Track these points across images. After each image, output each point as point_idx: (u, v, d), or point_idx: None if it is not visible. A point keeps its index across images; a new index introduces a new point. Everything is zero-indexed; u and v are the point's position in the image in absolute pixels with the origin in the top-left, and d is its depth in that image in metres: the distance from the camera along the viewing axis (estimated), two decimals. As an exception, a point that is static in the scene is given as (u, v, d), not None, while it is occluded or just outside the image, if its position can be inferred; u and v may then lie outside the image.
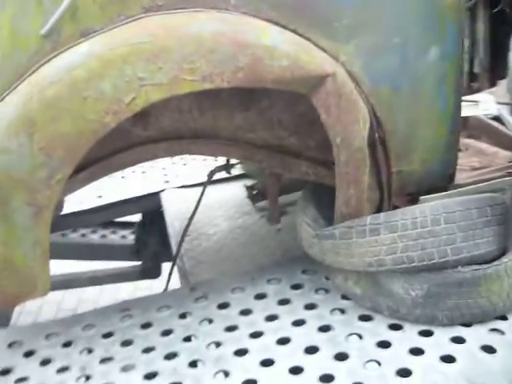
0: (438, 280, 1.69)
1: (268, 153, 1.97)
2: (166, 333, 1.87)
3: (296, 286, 2.03)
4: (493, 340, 1.69)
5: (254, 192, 2.61)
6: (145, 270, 3.04)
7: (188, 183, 3.08)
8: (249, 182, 2.71)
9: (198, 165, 3.34)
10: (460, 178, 2.05)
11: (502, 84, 2.72)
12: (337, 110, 1.62)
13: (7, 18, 1.50)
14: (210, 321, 1.90)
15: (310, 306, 1.91)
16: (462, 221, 1.69)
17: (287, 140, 1.94)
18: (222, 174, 2.76)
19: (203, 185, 2.40)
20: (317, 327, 1.80)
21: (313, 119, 1.76)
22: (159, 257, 3.01)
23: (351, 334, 1.76)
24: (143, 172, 3.27)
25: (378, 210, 1.88)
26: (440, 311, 1.72)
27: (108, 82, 1.46)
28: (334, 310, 1.88)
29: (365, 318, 1.82)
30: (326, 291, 1.98)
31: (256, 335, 1.80)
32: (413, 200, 1.92)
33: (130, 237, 3.23)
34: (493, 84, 3.23)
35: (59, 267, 2.86)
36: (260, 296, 2.00)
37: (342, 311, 1.87)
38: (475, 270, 1.69)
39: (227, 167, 2.38)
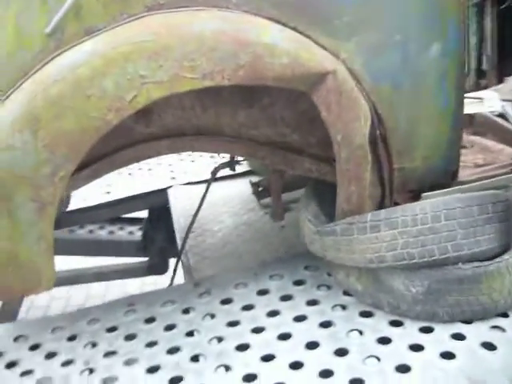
0: (439, 277, 1.70)
1: (271, 149, 1.98)
2: (169, 327, 1.90)
3: (298, 282, 2.04)
4: (493, 337, 1.69)
5: (260, 189, 2.63)
6: (152, 265, 3.06)
7: (195, 180, 3.10)
8: (254, 179, 2.72)
9: (205, 161, 3.37)
10: (463, 174, 2.05)
11: (508, 81, 2.71)
12: (337, 107, 1.63)
13: (12, 16, 1.52)
14: (213, 316, 1.92)
15: (312, 302, 1.92)
16: (463, 218, 1.69)
17: (290, 137, 1.95)
18: (229, 171, 2.79)
19: (210, 181, 2.42)
20: (318, 323, 1.82)
21: (315, 116, 1.77)
22: (166, 253, 3.03)
23: (352, 330, 1.77)
24: (149, 169, 3.30)
25: (380, 206, 1.89)
26: (441, 308, 1.72)
27: (110, 80, 1.49)
28: (335, 306, 1.89)
29: (366, 315, 1.83)
30: (328, 287, 2.00)
31: (257, 330, 1.82)
32: (415, 197, 1.92)
33: (137, 233, 3.25)
34: (501, 81, 3.21)
35: (67, 263, 2.92)
36: (262, 292, 2.02)
37: (344, 307, 1.88)
38: (476, 266, 1.69)
39: (231, 164, 2.40)
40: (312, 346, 1.72)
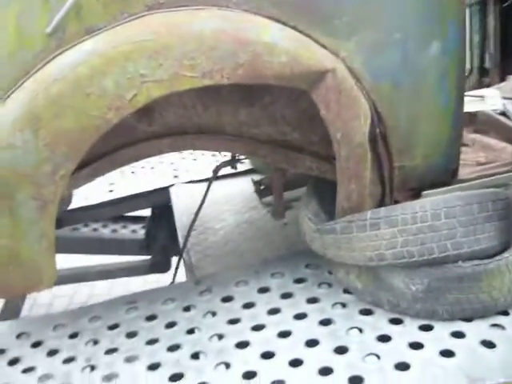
0: (439, 275, 1.70)
1: (272, 148, 1.99)
2: (170, 325, 1.91)
3: (299, 280, 2.05)
4: (493, 335, 1.69)
5: (262, 187, 2.63)
6: (154, 264, 3.08)
7: (197, 178, 3.11)
8: (256, 177, 2.72)
9: (207, 160, 3.38)
10: (464, 173, 2.05)
11: (510, 79, 2.71)
12: (337, 105, 1.64)
13: (13, 16, 1.54)
14: (214, 314, 1.93)
15: (312, 300, 1.93)
16: (463, 216, 1.69)
17: (290, 135, 1.96)
18: (231, 170, 2.80)
19: (212, 180, 2.43)
20: (318, 321, 1.82)
21: (315, 115, 1.77)
22: (168, 251, 3.04)
23: (352, 328, 1.77)
24: (152, 168, 3.31)
25: (380, 204, 1.89)
26: (440, 306, 1.73)
27: (110, 79, 1.50)
28: (335, 304, 1.90)
29: (366, 312, 1.83)
30: (329, 285, 2.00)
31: (258, 328, 1.83)
32: (415, 195, 1.93)
33: (140, 231, 3.27)
34: (503, 79, 3.21)
35: (70, 261, 2.94)
36: (263, 290, 2.02)
37: (344, 305, 1.89)
38: (476, 265, 1.69)
39: (232, 162, 2.40)
40: (312, 343, 1.73)
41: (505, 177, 2.00)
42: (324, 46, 1.66)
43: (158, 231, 3.04)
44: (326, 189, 1.98)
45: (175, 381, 1.66)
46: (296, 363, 1.66)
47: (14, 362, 1.83)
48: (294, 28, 1.64)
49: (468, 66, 3.21)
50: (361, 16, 1.70)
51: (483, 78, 3.35)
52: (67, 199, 2.38)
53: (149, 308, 2.01)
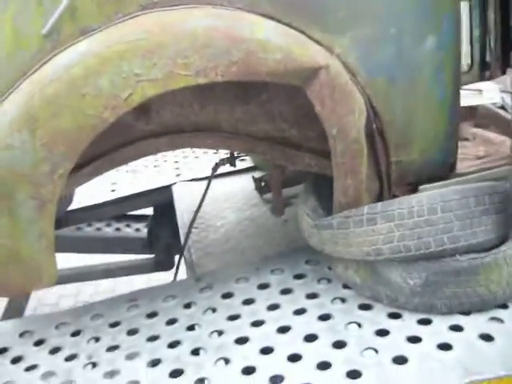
0: (436, 269, 1.70)
1: (269, 145, 2.00)
2: (171, 322, 1.92)
3: (299, 276, 2.06)
4: (491, 328, 1.69)
5: (262, 184, 2.64)
6: (157, 262, 3.10)
7: (200, 176, 3.12)
8: (257, 174, 2.74)
9: (209, 158, 3.39)
10: (462, 166, 2.06)
11: (510, 72, 2.70)
12: (331, 101, 1.64)
13: (9, 18, 1.56)
14: (214, 310, 1.95)
15: (312, 296, 1.94)
16: (459, 209, 1.70)
17: (288, 132, 1.97)
18: (232, 167, 2.81)
19: (211, 178, 2.44)
20: (317, 316, 1.83)
21: (312, 111, 1.78)
22: (171, 249, 3.06)
23: (350, 323, 1.78)
24: (155, 166, 3.33)
25: (378, 199, 1.90)
26: (438, 300, 1.73)
27: (106, 79, 1.51)
28: (334, 299, 1.91)
29: (364, 307, 1.84)
30: (328, 281, 2.01)
31: (257, 324, 1.84)
32: (413, 189, 1.93)
33: (144, 230, 3.29)
34: (505, 73, 3.19)
35: (73, 261, 2.97)
36: (263, 286, 2.04)
37: (343, 300, 1.89)
38: (473, 258, 1.69)
39: (231, 160, 2.41)
40: (311, 338, 1.74)
41: (503, 170, 1.99)
42: (318, 42, 1.67)
43: (160, 230, 3.06)
44: (325, 185, 1.99)
45: (175, 377, 1.67)
46: (295, 358, 1.67)
47: (17, 360, 1.85)
48: (289, 25, 1.65)
49: (468, 60, 3.19)
50: (355, 11, 1.71)
51: (484, 72, 3.33)
52: (68, 199, 2.41)
53: (150, 305, 2.03)
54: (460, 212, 1.69)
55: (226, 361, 1.70)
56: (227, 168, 2.77)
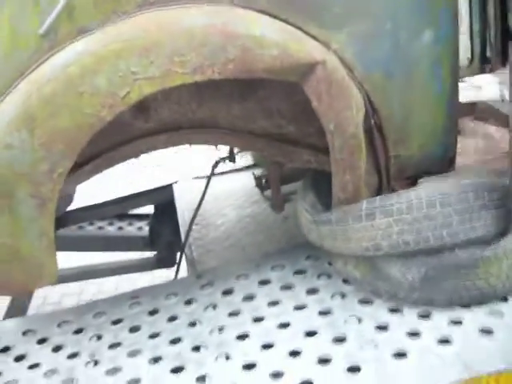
0: (435, 263, 1.70)
1: (268, 141, 2.00)
2: (172, 319, 1.93)
3: (299, 272, 2.06)
4: (491, 322, 1.69)
5: (263, 181, 2.64)
6: (159, 259, 3.10)
7: (201, 174, 3.13)
8: (258, 172, 2.74)
9: (211, 156, 3.39)
10: (461, 160, 2.06)
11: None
12: (328, 97, 1.65)
13: (6, 18, 1.56)
14: (215, 307, 1.95)
15: (312, 291, 1.94)
16: (458, 204, 1.70)
17: (286, 128, 1.97)
18: (233, 165, 2.82)
19: (211, 176, 2.45)
20: (317, 311, 1.84)
21: (310, 107, 1.78)
22: (173, 246, 3.06)
23: (350, 318, 1.78)
24: (158, 165, 3.34)
25: (378, 194, 1.91)
26: (438, 294, 1.73)
27: (103, 78, 1.52)
28: (334, 294, 1.91)
29: (365, 302, 1.85)
30: (329, 276, 2.01)
31: (258, 320, 1.85)
32: (412, 184, 1.93)
33: (146, 228, 3.29)
34: (505, 66, 3.18)
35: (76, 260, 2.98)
36: (264, 282, 2.04)
37: (343, 295, 1.90)
38: (472, 252, 1.69)
39: (231, 157, 2.42)
40: (311, 334, 1.74)
41: (502, 165, 1.99)
42: (315, 38, 1.67)
43: (161, 228, 3.06)
44: (323, 181, 1.99)
45: (176, 373, 1.68)
46: (295, 353, 1.67)
47: (20, 358, 1.86)
48: (286, 21, 1.66)
49: (469, 54, 3.19)
50: (352, 7, 1.71)
51: (485, 66, 3.32)
52: (68, 198, 2.41)
53: (151, 303, 2.04)
54: (459, 207, 1.69)
55: (227, 357, 1.71)
56: (228, 166, 2.78)
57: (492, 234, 1.74)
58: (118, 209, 2.93)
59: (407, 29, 1.74)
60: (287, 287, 1.99)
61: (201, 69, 1.54)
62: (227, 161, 2.43)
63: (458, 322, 1.70)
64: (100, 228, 3.21)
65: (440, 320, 1.72)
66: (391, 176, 1.90)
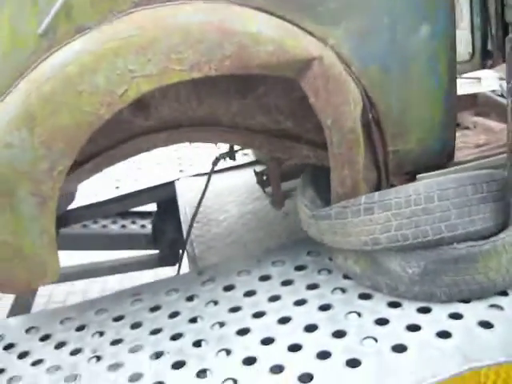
0: (434, 257, 1.71)
1: (267, 138, 2.01)
2: (174, 315, 1.95)
3: (300, 268, 2.07)
4: (491, 316, 1.69)
5: (265, 177, 2.65)
6: (162, 257, 3.12)
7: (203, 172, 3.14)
8: (259, 168, 2.74)
9: (212, 153, 3.40)
10: (461, 155, 2.06)
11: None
12: (325, 92, 1.65)
13: (6, 18, 1.58)
14: (216, 302, 1.96)
15: (312, 286, 1.95)
16: (457, 198, 1.70)
17: (285, 124, 1.98)
18: (234, 162, 2.82)
19: (213, 172, 2.46)
20: (317, 306, 1.84)
21: (308, 102, 1.79)
22: (176, 244, 3.08)
23: (350, 312, 1.79)
24: (158, 163, 3.35)
25: (377, 189, 1.91)
26: (438, 288, 1.74)
27: (101, 76, 1.53)
28: (335, 289, 1.92)
29: (365, 297, 1.85)
30: (329, 272, 2.02)
31: (258, 315, 1.86)
32: (411, 179, 1.94)
33: (149, 226, 3.31)
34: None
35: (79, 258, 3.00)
36: (264, 278, 2.05)
37: (343, 290, 1.91)
38: (471, 246, 1.70)
39: (231, 154, 2.43)
40: (311, 328, 1.75)
41: (501, 158, 1.99)
42: (312, 34, 1.68)
43: (164, 225, 3.08)
44: (323, 176, 2.00)
45: (177, 368, 1.70)
46: (295, 348, 1.68)
47: (23, 355, 1.88)
48: (282, 17, 1.67)
49: (470, 49, 3.18)
50: (348, 2, 1.71)
51: (486, 61, 3.31)
52: (70, 197, 2.43)
53: (153, 299, 2.05)
54: (457, 200, 1.70)
55: (228, 352, 1.72)
56: (229, 163, 2.78)
57: (491, 228, 1.74)
58: (120, 207, 2.95)
59: (404, 24, 1.74)
60: (288, 282, 2.00)
61: (198, 66, 1.56)
62: (227, 158, 2.44)
63: (457, 316, 1.71)
64: (104, 226, 3.22)
65: (440, 314, 1.72)
66: (390, 171, 1.91)
